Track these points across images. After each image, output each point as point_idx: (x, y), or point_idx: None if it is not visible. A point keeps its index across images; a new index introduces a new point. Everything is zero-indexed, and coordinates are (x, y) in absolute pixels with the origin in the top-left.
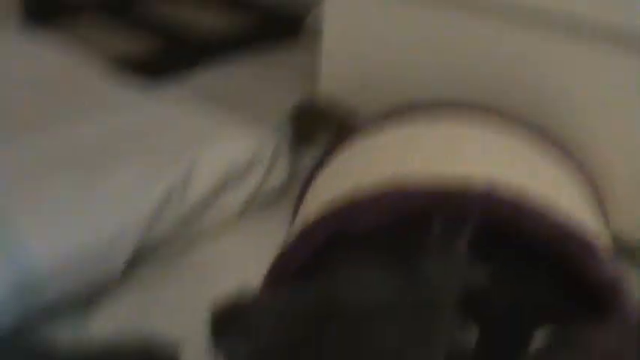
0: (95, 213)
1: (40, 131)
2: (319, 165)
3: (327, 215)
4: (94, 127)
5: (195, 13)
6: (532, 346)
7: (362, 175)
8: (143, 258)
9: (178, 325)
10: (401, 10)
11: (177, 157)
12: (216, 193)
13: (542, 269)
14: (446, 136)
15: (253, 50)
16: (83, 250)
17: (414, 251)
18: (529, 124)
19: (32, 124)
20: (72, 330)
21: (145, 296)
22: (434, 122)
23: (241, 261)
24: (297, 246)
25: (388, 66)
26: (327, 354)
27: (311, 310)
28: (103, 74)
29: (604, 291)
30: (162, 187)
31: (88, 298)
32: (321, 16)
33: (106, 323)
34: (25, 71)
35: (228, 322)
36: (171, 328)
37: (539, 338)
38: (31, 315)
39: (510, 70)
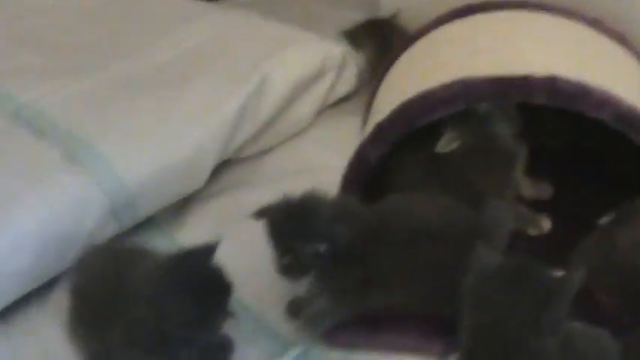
0: (176, 131)
1: (117, 59)
2: (387, 68)
3: (401, 107)
4: (168, 48)
5: None
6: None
7: (429, 72)
8: (225, 167)
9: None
10: None
11: (250, 69)
12: (289, 102)
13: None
14: (506, 29)
15: None
16: (167, 168)
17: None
18: (587, 18)
19: (109, 53)
20: (162, 241)
21: (227, 204)
22: (492, 18)
23: (316, 165)
24: (373, 141)
25: None
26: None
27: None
28: None
29: None
30: (238, 100)
31: (175, 209)
32: None
33: (192, 233)
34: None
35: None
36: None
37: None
38: (125, 229)
39: None
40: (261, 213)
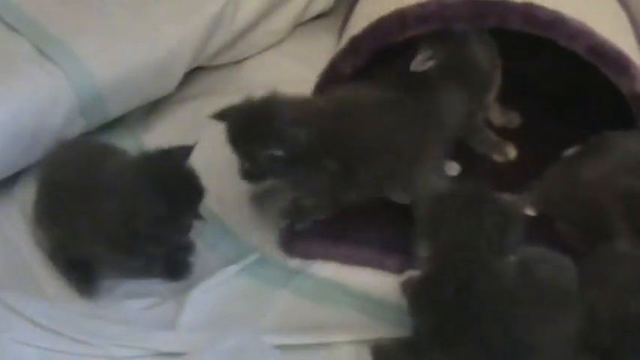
0: (150, 32)
1: None
2: None
3: (376, 22)
4: None
5: None
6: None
7: None
8: (197, 74)
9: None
10: None
11: None
12: (265, 12)
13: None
14: None
15: None
16: (139, 68)
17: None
18: None
19: None
20: (129, 141)
21: (197, 111)
22: None
23: (289, 78)
24: (347, 52)
25: None
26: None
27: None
28: None
29: (636, 104)
30: (214, 5)
31: (144, 112)
32: None
33: (159, 136)
34: None
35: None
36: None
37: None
38: (94, 128)
39: None
40: (222, 115)
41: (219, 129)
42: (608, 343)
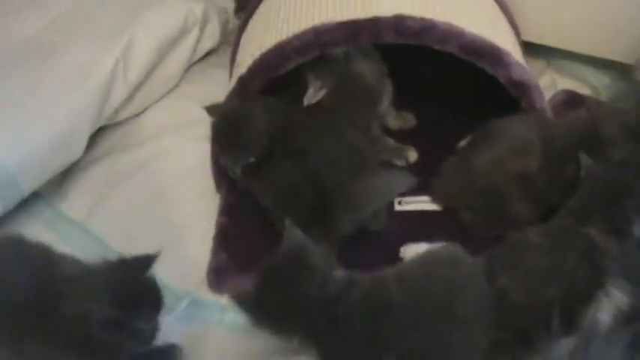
0: (47, 104)
1: None
2: (247, 19)
3: (260, 60)
4: (34, 21)
5: None
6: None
7: (283, 22)
8: (102, 133)
9: (144, 192)
10: None
11: (115, 35)
12: (156, 62)
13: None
14: None
15: None
16: (45, 140)
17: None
18: None
19: None
20: (47, 213)
21: (110, 169)
22: None
23: (190, 119)
24: (238, 93)
25: None
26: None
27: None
28: None
29: (515, 89)
30: (106, 65)
31: (56, 180)
32: None
33: (76, 202)
34: None
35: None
36: (137, 191)
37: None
38: (10, 207)
39: None
40: (210, 110)
41: (134, 184)
42: (522, 325)
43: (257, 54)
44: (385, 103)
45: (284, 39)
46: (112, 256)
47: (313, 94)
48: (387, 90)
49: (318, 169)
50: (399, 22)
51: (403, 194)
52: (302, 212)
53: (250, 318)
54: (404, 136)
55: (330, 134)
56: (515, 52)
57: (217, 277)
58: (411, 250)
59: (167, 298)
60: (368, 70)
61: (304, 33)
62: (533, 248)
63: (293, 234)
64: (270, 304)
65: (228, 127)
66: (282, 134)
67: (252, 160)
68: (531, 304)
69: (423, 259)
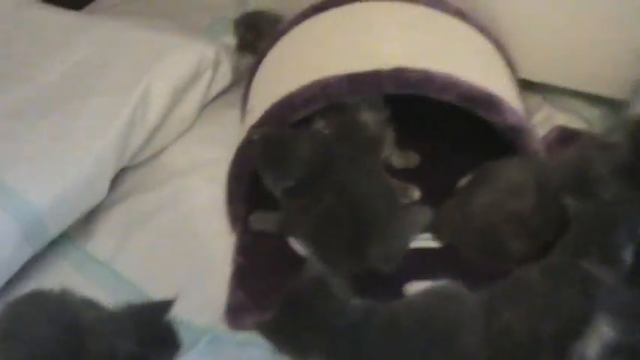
0: (73, 150)
1: (8, 83)
2: (257, 64)
3: (269, 111)
4: (56, 67)
5: None
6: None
7: (290, 73)
8: (122, 175)
9: (164, 232)
10: None
11: (133, 81)
12: (172, 105)
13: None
14: (358, 23)
15: None
16: (72, 184)
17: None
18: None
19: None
20: (74, 253)
21: (131, 209)
22: (347, 12)
23: (205, 159)
24: (249, 141)
25: None
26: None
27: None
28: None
29: (510, 134)
30: (127, 111)
31: (82, 221)
32: None
33: (101, 242)
34: None
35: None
36: (158, 231)
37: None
38: (38, 249)
39: None
40: (250, 143)
41: (154, 224)
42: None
43: (266, 105)
44: (387, 150)
45: (292, 91)
46: (136, 295)
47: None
48: (389, 137)
49: (357, 202)
50: (398, 75)
51: None
52: (337, 243)
53: (272, 343)
54: (408, 174)
55: (367, 170)
56: (510, 95)
57: (235, 314)
58: (416, 289)
59: (188, 335)
60: (371, 119)
61: (310, 86)
62: (534, 284)
63: (313, 265)
64: (291, 328)
65: (274, 148)
66: (322, 165)
67: (292, 183)
68: (533, 339)
69: (427, 294)
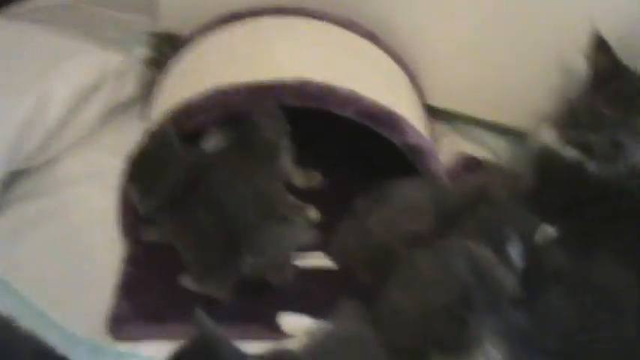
0: None
1: None
2: (161, 75)
3: (167, 116)
4: None
5: None
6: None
7: (191, 81)
8: (14, 178)
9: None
10: None
11: (32, 82)
12: (72, 111)
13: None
14: (261, 36)
15: None
16: None
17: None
18: (339, 18)
19: None
20: None
21: (20, 214)
22: (251, 25)
23: (103, 169)
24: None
25: None
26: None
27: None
28: None
29: (411, 154)
30: (22, 112)
31: None
32: None
33: None
34: None
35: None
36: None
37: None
38: None
39: None
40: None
41: (46, 233)
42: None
43: (165, 111)
44: (284, 161)
45: (190, 98)
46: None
47: (212, 144)
48: (286, 147)
49: (228, 212)
50: (301, 87)
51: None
52: (212, 256)
53: None
54: (310, 195)
55: (241, 181)
56: (414, 116)
57: (117, 325)
58: (291, 322)
59: (68, 344)
60: (267, 125)
61: (210, 93)
62: (420, 262)
63: (203, 323)
64: None
65: (144, 165)
66: (195, 182)
67: (155, 204)
68: (424, 314)
69: (327, 339)
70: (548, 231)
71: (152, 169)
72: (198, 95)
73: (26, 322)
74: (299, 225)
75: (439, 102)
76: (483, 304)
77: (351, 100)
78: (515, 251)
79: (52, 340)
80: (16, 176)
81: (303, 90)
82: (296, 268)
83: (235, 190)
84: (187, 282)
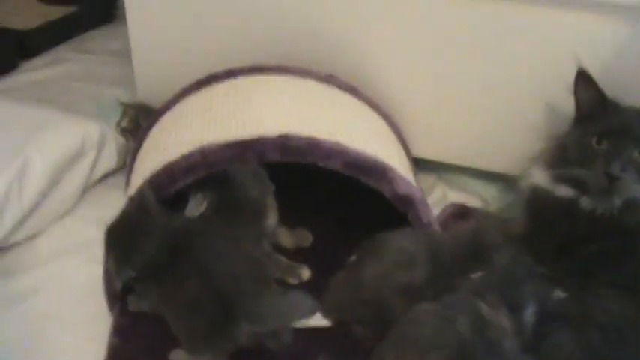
0: None
1: None
2: (140, 143)
3: (148, 181)
4: None
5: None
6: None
7: (172, 145)
8: None
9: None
10: None
11: (10, 155)
12: (52, 183)
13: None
14: (241, 95)
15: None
16: None
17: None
18: (320, 75)
19: None
20: None
21: (1, 293)
22: (230, 86)
23: (87, 241)
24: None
25: (188, 50)
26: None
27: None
28: None
29: (400, 204)
30: (0, 187)
31: None
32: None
33: None
34: None
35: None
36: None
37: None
38: None
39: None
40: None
41: (27, 309)
42: None
43: (147, 175)
44: (271, 219)
45: (172, 160)
46: None
47: (195, 206)
48: (271, 205)
49: (220, 281)
50: (284, 142)
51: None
52: (202, 324)
53: None
54: (300, 254)
55: (230, 247)
56: (401, 167)
57: None
58: None
59: None
60: (250, 184)
61: (191, 154)
62: (421, 318)
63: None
64: None
65: (121, 234)
66: (180, 247)
67: (132, 274)
68: None
69: None
70: (559, 295)
71: (129, 237)
72: (180, 157)
73: None
74: (300, 296)
75: (424, 153)
76: None
77: (337, 152)
78: (529, 313)
79: None
80: None
81: (287, 145)
82: (293, 331)
83: (225, 256)
84: (179, 356)
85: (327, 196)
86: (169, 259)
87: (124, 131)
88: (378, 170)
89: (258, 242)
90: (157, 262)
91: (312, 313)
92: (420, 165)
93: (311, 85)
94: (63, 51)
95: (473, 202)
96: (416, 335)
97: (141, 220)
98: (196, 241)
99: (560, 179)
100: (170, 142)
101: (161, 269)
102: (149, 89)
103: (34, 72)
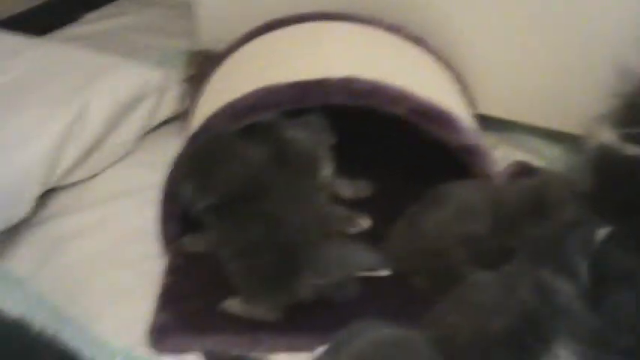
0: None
1: None
2: (201, 88)
3: (209, 119)
4: None
5: None
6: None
7: (234, 85)
8: (51, 195)
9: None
10: None
11: (71, 96)
12: (111, 126)
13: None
14: (306, 39)
15: None
16: None
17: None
18: (386, 23)
19: None
20: None
21: (58, 230)
22: (294, 30)
23: (142, 186)
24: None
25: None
26: None
27: None
28: None
29: (465, 155)
30: (60, 126)
31: (1, 239)
32: None
33: (22, 262)
34: None
35: None
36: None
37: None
38: None
39: None
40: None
41: (80, 246)
42: None
43: (208, 114)
44: (326, 171)
45: (233, 99)
46: (55, 317)
47: None
48: (325, 156)
49: (286, 230)
50: (349, 84)
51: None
52: (261, 271)
53: None
54: (360, 204)
55: (297, 196)
56: (466, 116)
57: (158, 336)
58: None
59: (104, 356)
60: (302, 136)
61: (254, 92)
62: (481, 285)
63: None
64: None
65: (201, 159)
66: (252, 188)
67: (212, 202)
68: (480, 338)
69: (378, 344)
70: (602, 233)
71: (209, 164)
72: (246, 95)
73: (63, 334)
74: (364, 249)
75: (491, 110)
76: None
77: (403, 97)
78: (582, 270)
79: (89, 351)
80: (53, 192)
81: (352, 87)
82: (359, 282)
83: (293, 208)
84: (233, 307)
85: (389, 147)
86: (240, 193)
87: (190, 79)
88: (443, 118)
89: (310, 196)
90: (229, 193)
91: (376, 265)
92: (482, 123)
93: (379, 33)
94: (124, 4)
95: (536, 161)
96: (479, 300)
97: (220, 149)
98: (266, 183)
99: (628, 138)
100: (232, 83)
101: (230, 202)
102: (211, 39)
103: (96, 23)
